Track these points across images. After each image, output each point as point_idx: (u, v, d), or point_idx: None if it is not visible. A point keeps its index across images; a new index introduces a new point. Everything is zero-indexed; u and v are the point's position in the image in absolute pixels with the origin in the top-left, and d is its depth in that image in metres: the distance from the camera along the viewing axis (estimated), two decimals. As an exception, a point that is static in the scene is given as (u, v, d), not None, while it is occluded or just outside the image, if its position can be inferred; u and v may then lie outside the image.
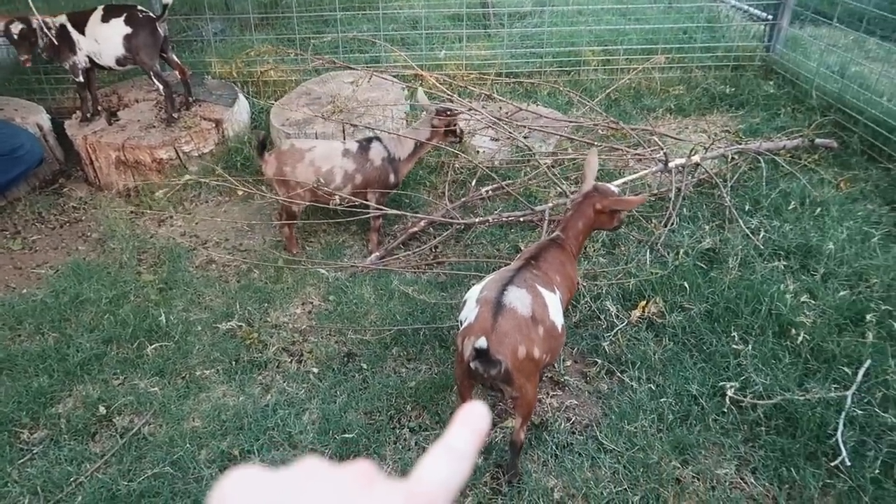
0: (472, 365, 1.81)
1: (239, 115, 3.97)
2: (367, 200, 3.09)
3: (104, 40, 3.52)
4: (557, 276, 2.09)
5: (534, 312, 1.89)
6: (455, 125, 3.09)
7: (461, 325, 1.98)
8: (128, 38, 3.52)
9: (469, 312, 1.94)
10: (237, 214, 3.60)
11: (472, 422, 0.40)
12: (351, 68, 3.76)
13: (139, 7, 3.60)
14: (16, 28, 3.31)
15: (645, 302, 2.72)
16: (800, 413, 2.20)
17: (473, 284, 2.14)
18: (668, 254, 2.94)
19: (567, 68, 4.68)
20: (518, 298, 1.90)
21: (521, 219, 3.11)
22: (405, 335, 2.66)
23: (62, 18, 3.46)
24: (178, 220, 3.56)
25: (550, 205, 2.96)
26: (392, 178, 3.12)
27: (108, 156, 3.64)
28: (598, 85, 4.54)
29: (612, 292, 2.78)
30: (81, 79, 3.65)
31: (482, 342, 1.73)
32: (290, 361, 2.61)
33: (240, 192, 3.25)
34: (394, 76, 3.87)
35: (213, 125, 3.79)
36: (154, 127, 3.75)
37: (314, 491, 0.34)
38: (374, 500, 0.34)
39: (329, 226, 3.38)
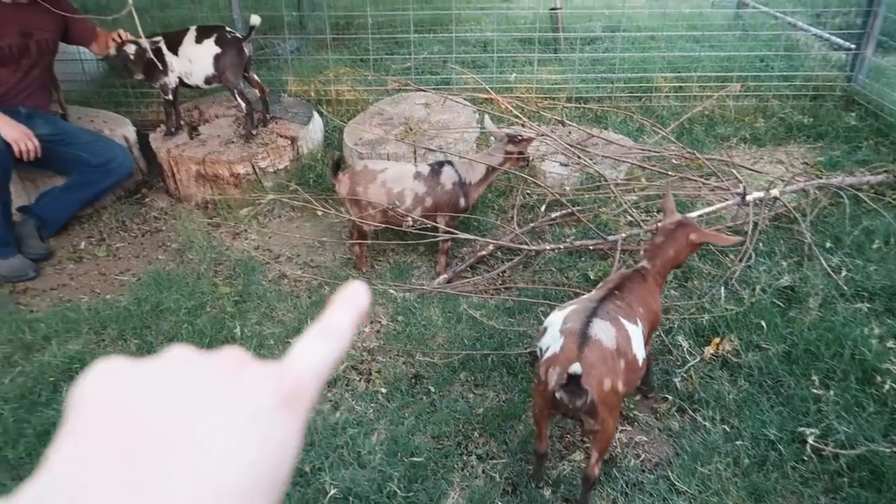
0: (557, 394, 1.80)
1: (313, 133, 4.08)
2: (436, 223, 3.12)
3: (196, 61, 3.68)
4: (641, 307, 2.07)
5: (618, 345, 1.89)
6: (526, 150, 3.10)
7: (541, 353, 1.98)
8: (217, 59, 3.67)
9: (552, 342, 1.94)
10: (308, 231, 3.69)
11: (352, 301, 0.40)
12: (422, 90, 3.82)
13: (227, 28, 3.75)
14: (130, 49, 3.50)
15: (719, 339, 2.66)
16: (886, 466, 2.10)
17: (549, 312, 2.13)
18: (744, 290, 2.87)
19: (638, 94, 4.64)
20: (603, 331, 1.90)
21: (592, 247, 3.08)
22: (473, 360, 2.67)
23: (158, 39, 3.62)
24: (252, 233, 3.67)
25: (623, 235, 2.93)
26: (462, 202, 3.15)
27: (188, 169, 3.79)
28: (670, 112, 4.48)
29: (685, 327, 2.73)
30: (171, 97, 3.81)
31: (577, 367, 1.72)
32: (359, 380, 2.65)
33: (319, 213, 3.32)
34: (466, 99, 3.90)
35: (289, 142, 3.90)
36: (233, 142, 3.88)
37: (181, 379, 0.33)
38: (245, 385, 0.34)
39: (398, 246, 3.43)
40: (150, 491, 0.29)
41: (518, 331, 2.79)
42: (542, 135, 3.35)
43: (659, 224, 2.28)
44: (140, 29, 2.79)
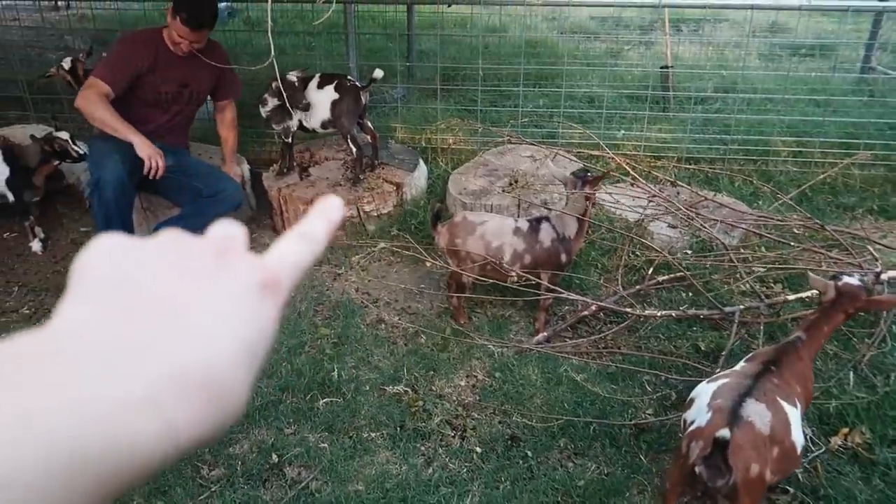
0: (697, 469, 1.71)
1: (418, 180, 4.12)
2: (539, 279, 3.05)
3: (316, 105, 3.82)
4: (798, 386, 1.96)
5: (773, 431, 1.78)
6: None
7: (685, 425, 1.90)
8: (334, 104, 3.80)
9: (699, 415, 1.85)
10: (407, 276, 3.69)
11: (327, 212, 0.44)
12: (533, 144, 3.80)
13: (348, 77, 3.89)
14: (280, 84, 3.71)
15: (847, 429, 2.42)
16: None
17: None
18: (876, 376, 2.62)
19: (754, 157, 4.45)
20: (757, 413, 1.79)
21: (706, 317, 2.91)
22: (573, 426, 2.55)
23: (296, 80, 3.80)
24: (352, 275, 3.71)
25: (741, 307, 2.75)
26: (563, 257, 3.07)
27: (297, 208, 3.90)
28: (788, 177, 4.26)
29: (809, 412, 2.51)
30: (290, 140, 3.97)
31: (725, 432, 1.63)
32: (454, 436, 2.58)
33: (427, 263, 3.31)
34: (574, 155, 3.85)
35: (394, 188, 3.95)
36: (340, 185, 3.98)
37: (176, 254, 0.36)
38: (231, 266, 0.37)
39: (496, 299, 3.37)
40: (148, 341, 0.31)
41: (622, 399, 2.64)
42: (654, 196, 3.24)
43: (820, 296, 2.14)
44: (279, 79, 2.92)
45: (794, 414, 1.86)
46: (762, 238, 3.48)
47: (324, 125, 3.90)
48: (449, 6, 4.76)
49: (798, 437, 1.85)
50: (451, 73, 5.72)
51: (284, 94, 3.66)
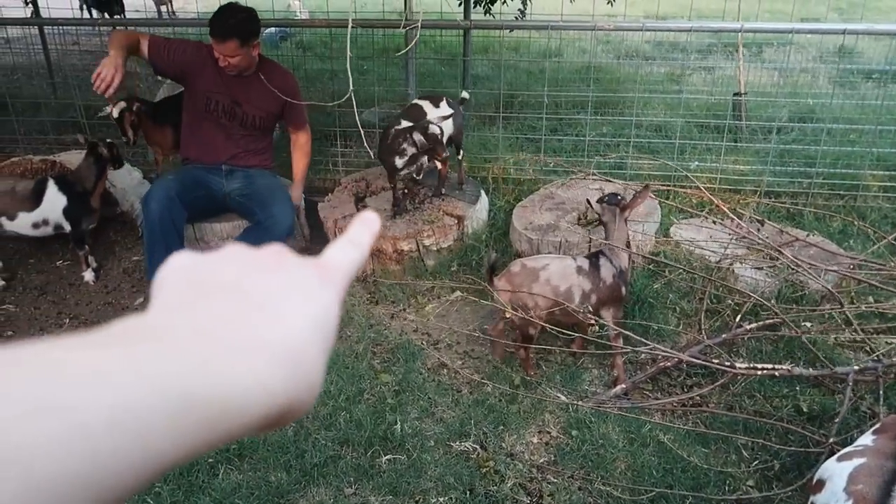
0: None
1: (480, 212, 3.92)
2: (603, 320, 2.84)
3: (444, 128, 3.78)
4: None
5: None
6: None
7: None
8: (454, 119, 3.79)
9: (834, 501, 1.64)
10: (469, 315, 3.48)
11: (367, 223, 0.49)
12: (609, 180, 3.57)
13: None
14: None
15: None
16: None
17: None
18: None
19: (840, 192, 4.13)
20: None
21: (817, 377, 2.62)
22: (665, 499, 2.28)
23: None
24: (410, 313, 3.51)
25: (857, 367, 2.45)
26: (624, 291, 2.90)
27: (353, 241, 3.73)
28: (880, 214, 3.94)
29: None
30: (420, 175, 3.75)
31: None
32: (529, 503, 2.33)
33: (491, 303, 3.09)
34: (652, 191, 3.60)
35: (455, 221, 3.76)
36: (399, 216, 3.80)
37: (238, 265, 0.40)
38: (293, 265, 0.41)
39: (566, 346, 3.13)
40: (234, 319, 0.35)
41: (718, 471, 2.37)
42: (743, 237, 2.97)
43: None
44: (356, 113, 2.79)
45: None
46: (860, 284, 3.17)
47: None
48: (511, 31, 4.57)
49: None
50: (509, 99, 5.54)
51: (425, 145, 3.48)
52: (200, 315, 0.35)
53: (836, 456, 1.83)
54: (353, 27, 2.79)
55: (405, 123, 3.56)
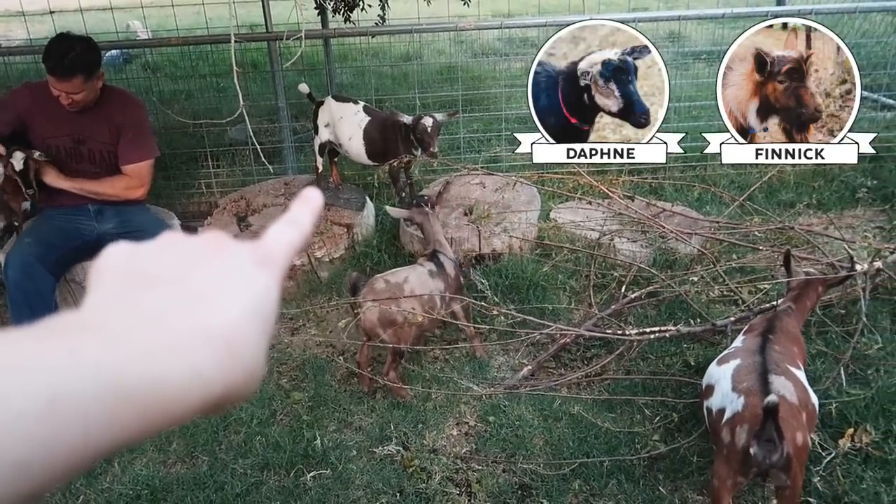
0: (751, 450, 1.75)
1: (367, 219, 3.93)
2: (455, 315, 2.99)
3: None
4: (796, 347, 2.11)
5: (798, 398, 1.88)
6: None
7: (711, 413, 1.97)
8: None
9: (727, 402, 1.91)
10: (370, 322, 3.47)
11: (309, 201, 0.48)
12: (494, 175, 3.70)
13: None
14: None
15: (852, 430, 2.41)
16: None
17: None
18: (867, 372, 2.64)
19: (693, 164, 4.53)
20: (783, 386, 1.89)
21: (701, 333, 2.86)
22: (584, 466, 2.41)
23: None
24: (311, 327, 3.46)
25: (733, 319, 2.71)
26: (462, 279, 3.10)
27: (241, 262, 3.61)
28: (727, 179, 4.36)
29: (812, 417, 2.49)
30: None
31: (773, 398, 1.70)
32: (459, 494, 2.38)
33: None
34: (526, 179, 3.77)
35: (345, 230, 3.74)
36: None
37: (175, 254, 0.40)
38: (228, 251, 0.41)
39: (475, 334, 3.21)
40: (169, 306, 0.36)
41: (628, 432, 2.53)
42: (620, 213, 3.20)
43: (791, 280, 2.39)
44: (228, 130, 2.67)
45: (802, 376, 2.01)
46: (722, 244, 3.51)
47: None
48: (373, 37, 4.60)
49: (813, 396, 1.98)
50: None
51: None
52: (137, 306, 0.35)
53: (715, 360, 2.16)
54: (206, 44, 2.69)
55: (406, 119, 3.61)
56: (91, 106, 3.14)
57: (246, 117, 2.53)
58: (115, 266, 0.39)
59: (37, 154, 3.14)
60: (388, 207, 3.16)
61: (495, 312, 2.84)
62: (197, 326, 0.35)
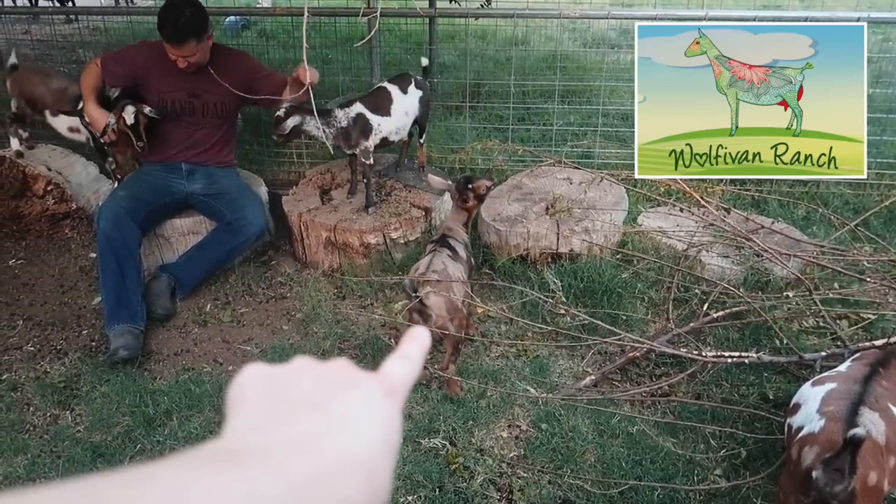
0: (814, 474, 1.62)
1: (448, 204, 3.87)
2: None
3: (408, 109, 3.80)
4: None
5: (888, 440, 1.71)
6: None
7: (790, 429, 1.86)
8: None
9: (807, 422, 1.79)
10: (437, 309, 3.43)
11: (418, 339, 0.52)
12: (578, 168, 3.55)
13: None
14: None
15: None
16: None
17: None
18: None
19: (804, 179, 4.17)
20: (872, 423, 1.72)
21: (785, 364, 2.63)
22: (634, 490, 2.28)
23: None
24: (378, 307, 3.46)
25: (825, 353, 2.47)
26: (473, 260, 3.06)
27: (318, 235, 3.66)
28: (842, 200, 3.99)
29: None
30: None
31: (861, 431, 1.53)
32: (499, 500, 2.31)
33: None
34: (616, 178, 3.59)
35: (423, 213, 3.70)
36: (366, 212, 3.72)
37: (308, 378, 0.42)
38: (358, 379, 0.43)
39: (535, 335, 3.11)
40: (317, 433, 0.36)
41: (687, 457, 2.37)
42: (710, 224, 2.98)
43: None
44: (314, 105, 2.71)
45: None
46: (823, 270, 3.21)
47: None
48: (476, 19, 4.51)
49: None
50: (475, 88, 5.48)
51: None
52: (289, 432, 0.36)
53: (810, 381, 2.00)
54: (313, 16, 2.71)
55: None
56: (204, 64, 3.34)
57: (311, 94, 2.51)
58: (257, 389, 0.41)
59: (147, 109, 3.35)
60: (430, 175, 3.11)
61: (563, 312, 2.71)
62: (344, 454, 0.36)
